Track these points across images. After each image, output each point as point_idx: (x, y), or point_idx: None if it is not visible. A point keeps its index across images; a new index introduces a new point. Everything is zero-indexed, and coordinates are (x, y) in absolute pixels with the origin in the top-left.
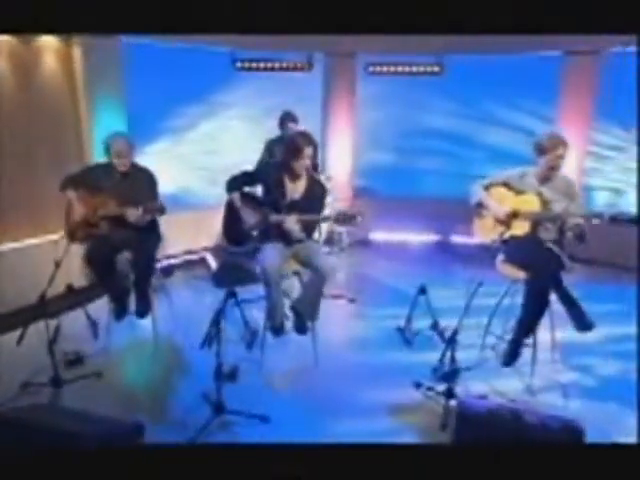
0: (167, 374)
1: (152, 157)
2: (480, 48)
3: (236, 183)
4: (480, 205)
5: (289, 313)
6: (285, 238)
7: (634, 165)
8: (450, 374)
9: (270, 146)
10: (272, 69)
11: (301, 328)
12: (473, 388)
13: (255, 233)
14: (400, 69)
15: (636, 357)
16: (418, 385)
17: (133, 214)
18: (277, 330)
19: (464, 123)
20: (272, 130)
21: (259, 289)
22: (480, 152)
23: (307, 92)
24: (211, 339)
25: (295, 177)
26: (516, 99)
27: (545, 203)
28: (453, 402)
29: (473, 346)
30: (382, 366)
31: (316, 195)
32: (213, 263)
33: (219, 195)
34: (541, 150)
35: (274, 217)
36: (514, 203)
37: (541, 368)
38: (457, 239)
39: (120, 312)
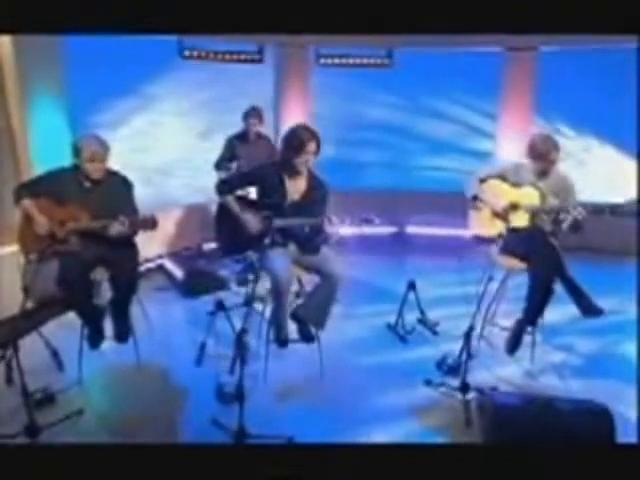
0: (162, 401)
1: None
2: (429, 43)
3: (228, 186)
4: (476, 198)
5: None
6: (301, 244)
7: None
8: (455, 367)
9: (231, 143)
10: (222, 59)
11: (308, 336)
12: (478, 378)
13: (266, 240)
14: (351, 61)
15: (615, 333)
16: (429, 382)
17: (117, 229)
18: (284, 341)
19: (410, 116)
20: (206, 124)
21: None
22: (424, 145)
23: (243, 84)
24: (234, 363)
25: (296, 175)
26: (460, 94)
27: (543, 196)
28: (470, 396)
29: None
30: (385, 366)
31: (317, 196)
32: (178, 271)
33: (155, 196)
34: (534, 155)
35: (279, 221)
36: (513, 196)
37: (532, 351)
38: (413, 230)
39: (96, 338)
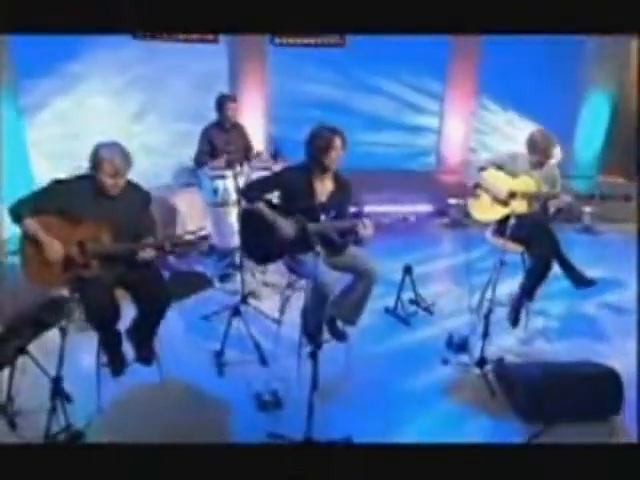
0: (204, 419)
1: None
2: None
3: (256, 191)
4: (477, 186)
5: None
6: (331, 246)
7: (482, 127)
8: (462, 344)
9: (208, 134)
10: (176, 40)
11: (340, 334)
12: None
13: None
14: (306, 41)
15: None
16: (445, 361)
17: (150, 254)
18: (321, 343)
19: (361, 95)
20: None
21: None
22: (371, 123)
23: (178, 62)
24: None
25: (324, 174)
26: (408, 76)
27: (539, 184)
28: (487, 368)
29: (457, 312)
30: (400, 351)
31: (344, 195)
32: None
33: None
34: (534, 149)
35: (313, 226)
36: (511, 184)
37: (527, 320)
38: (370, 208)
39: (119, 364)
